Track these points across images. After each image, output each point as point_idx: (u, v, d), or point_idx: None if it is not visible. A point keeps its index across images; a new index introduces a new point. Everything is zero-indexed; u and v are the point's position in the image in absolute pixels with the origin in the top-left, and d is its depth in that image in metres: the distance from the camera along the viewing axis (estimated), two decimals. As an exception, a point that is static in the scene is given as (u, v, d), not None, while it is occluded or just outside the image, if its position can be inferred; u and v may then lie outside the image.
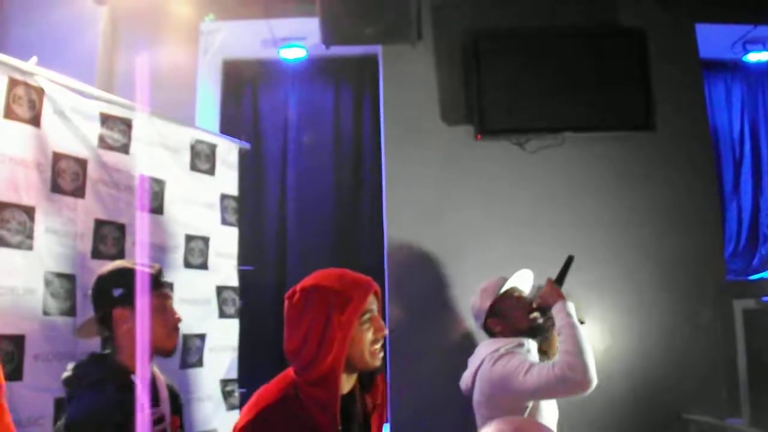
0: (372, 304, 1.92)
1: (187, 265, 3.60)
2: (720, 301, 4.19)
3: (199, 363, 3.60)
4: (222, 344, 3.76)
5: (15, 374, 2.57)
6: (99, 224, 3.08)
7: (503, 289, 3.03)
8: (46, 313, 2.76)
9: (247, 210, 4.55)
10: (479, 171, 4.38)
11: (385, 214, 4.39)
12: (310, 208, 5.00)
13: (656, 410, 4.06)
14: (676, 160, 4.43)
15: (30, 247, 2.73)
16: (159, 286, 2.33)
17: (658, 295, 4.23)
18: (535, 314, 2.98)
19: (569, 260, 3.09)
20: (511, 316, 2.99)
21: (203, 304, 3.68)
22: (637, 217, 4.34)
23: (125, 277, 2.27)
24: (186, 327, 3.48)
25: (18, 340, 2.63)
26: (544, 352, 3.10)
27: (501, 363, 2.80)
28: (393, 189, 4.39)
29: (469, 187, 4.35)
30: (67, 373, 2.22)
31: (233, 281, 3.90)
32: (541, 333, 3.02)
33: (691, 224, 4.35)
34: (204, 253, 3.72)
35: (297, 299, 1.88)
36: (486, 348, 2.96)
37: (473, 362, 3.03)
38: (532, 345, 2.97)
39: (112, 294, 2.25)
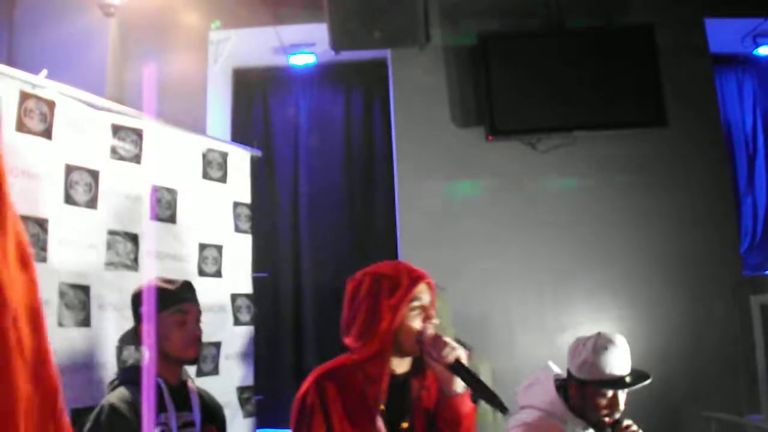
0: (422, 293, 2.00)
1: (201, 273, 3.60)
2: (737, 296, 4.16)
3: (215, 371, 3.60)
4: (237, 352, 3.76)
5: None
6: (112, 235, 3.09)
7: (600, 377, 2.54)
8: (61, 324, 2.76)
9: (260, 217, 4.55)
10: (491, 172, 4.38)
11: (397, 218, 4.40)
12: (323, 214, 5.01)
13: (676, 408, 4.04)
14: (689, 156, 4.41)
15: (44, 259, 2.72)
16: (178, 302, 2.50)
17: (674, 292, 4.21)
18: (606, 412, 2.53)
19: None
20: (590, 403, 2.54)
21: (218, 312, 3.68)
22: (651, 214, 4.32)
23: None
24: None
25: (34, 352, 2.64)
26: None
27: None
28: (405, 192, 4.39)
29: (482, 189, 4.35)
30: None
31: (247, 288, 3.90)
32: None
33: (706, 220, 4.32)
34: (218, 261, 3.72)
35: (354, 282, 2.07)
36: (544, 396, 2.58)
37: (532, 391, 2.64)
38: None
39: (139, 312, 2.49)
